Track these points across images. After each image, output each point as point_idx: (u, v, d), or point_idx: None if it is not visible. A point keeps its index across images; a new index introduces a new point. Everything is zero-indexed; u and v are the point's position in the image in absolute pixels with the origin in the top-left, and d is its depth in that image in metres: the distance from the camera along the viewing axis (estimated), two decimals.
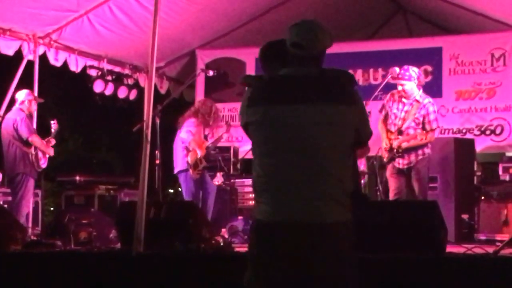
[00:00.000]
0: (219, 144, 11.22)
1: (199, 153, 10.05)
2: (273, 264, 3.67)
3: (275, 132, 3.69)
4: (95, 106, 12.56)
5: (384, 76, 10.57)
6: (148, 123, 7.23)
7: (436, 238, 6.55)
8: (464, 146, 9.90)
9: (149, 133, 7.24)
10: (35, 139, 9.65)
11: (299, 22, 3.87)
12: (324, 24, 3.85)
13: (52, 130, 10.27)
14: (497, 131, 11.26)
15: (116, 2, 10.47)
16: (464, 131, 11.38)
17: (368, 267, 6.21)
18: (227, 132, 10.76)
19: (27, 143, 9.60)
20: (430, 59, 11.64)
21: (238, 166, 11.61)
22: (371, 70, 12.00)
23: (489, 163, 11.04)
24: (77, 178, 11.31)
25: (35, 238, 9.02)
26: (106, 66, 11.92)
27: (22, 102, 9.80)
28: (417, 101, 8.60)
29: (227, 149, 11.51)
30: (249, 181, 10.97)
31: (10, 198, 10.08)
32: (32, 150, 9.63)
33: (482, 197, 9.46)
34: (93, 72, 11.79)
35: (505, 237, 8.28)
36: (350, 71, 12.49)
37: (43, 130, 10.21)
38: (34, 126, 10.31)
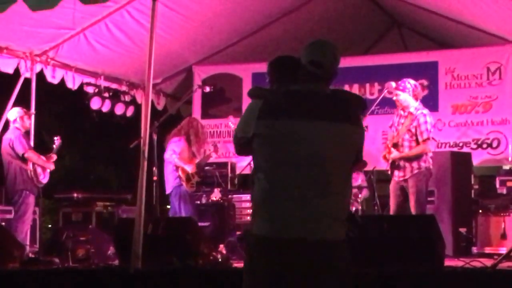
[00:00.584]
0: (216, 160, 11.29)
1: (189, 169, 10.16)
2: (272, 280, 3.66)
3: (286, 146, 3.70)
4: (92, 123, 12.56)
5: (380, 91, 10.59)
6: (145, 140, 7.25)
7: (434, 252, 6.57)
8: (461, 160, 9.90)
9: (146, 150, 7.26)
10: (31, 155, 9.69)
11: (317, 42, 3.93)
12: (336, 43, 3.97)
13: (54, 146, 10.31)
14: (494, 145, 11.28)
15: (112, 19, 10.49)
16: (460, 144, 11.40)
17: (366, 281, 6.22)
18: (215, 152, 10.89)
19: (24, 160, 9.65)
20: (426, 73, 11.63)
21: (236, 181, 11.60)
22: (367, 85, 12.01)
23: (486, 177, 11.04)
24: (75, 195, 11.30)
25: (32, 256, 9.00)
26: (103, 83, 11.94)
27: (15, 120, 9.86)
28: (411, 113, 8.56)
29: (224, 164, 11.52)
30: (246, 197, 10.97)
31: (8, 216, 10.08)
32: (30, 166, 9.66)
33: (480, 211, 9.46)
34: (90, 89, 11.80)
35: (503, 250, 8.29)
36: (347, 86, 12.67)
37: (42, 147, 10.21)
38: (32, 141, 10.35)
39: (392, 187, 8.70)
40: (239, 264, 7.71)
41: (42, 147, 10.05)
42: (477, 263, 6.79)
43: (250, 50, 12.36)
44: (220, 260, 7.74)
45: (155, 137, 9.99)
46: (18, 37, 10.17)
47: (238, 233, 10.23)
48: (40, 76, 10.98)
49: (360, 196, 11.13)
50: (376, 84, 11.84)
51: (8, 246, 7.96)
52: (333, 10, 12.14)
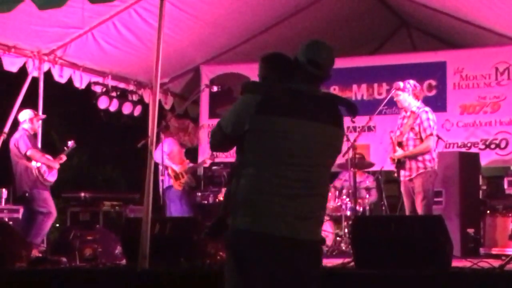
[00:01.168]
0: (223, 160, 11.32)
1: (177, 168, 10.26)
2: (261, 274, 3.67)
3: (282, 144, 3.70)
4: (99, 122, 12.55)
5: (388, 91, 10.57)
6: (152, 139, 7.25)
7: (441, 253, 6.54)
8: (469, 160, 9.88)
9: (153, 149, 7.25)
10: (33, 153, 9.71)
11: (316, 42, 3.90)
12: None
13: (66, 148, 10.32)
14: (502, 145, 11.25)
15: (120, 18, 10.50)
16: (469, 145, 11.37)
17: (373, 282, 6.21)
18: (211, 160, 11.02)
19: (28, 158, 9.69)
20: (434, 73, 11.65)
21: None
22: (375, 85, 12.00)
23: (494, 177, 11.00)
24: (82, 194, 11.31)
25: (40, 255, 9.01)
26: (111, 83, 11.95)
27: (24, 121, 9.89)
28: (413, 112, 8.60)
29: (231, 164, 11.51)
30: None
31: (15, 215, 10.12)
32: (34, 164, 9.68)
33: (488, 211, 9.43)
34: (97, 89, 11.81)
35: (510, 251, 8.27)
36: (355, 85, 12.67)
37: (51, 147, 10.22)
38: (40, 142, 10.37)
39: (403, 187, 8.69)
40: None
41: (51, 147, 10.05)
42: (485, 264, 6.76)
43: (258, 49, 12.31)
44: None
45: (162, 136, 10.05)
46: (26, 36, 10.18)
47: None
48: (48, 75, 10.99)
49: (367, 198, 11.08)
50: (384, 84, 11.83)
51: (15, 246, 7.97)
52: (342, 10, 12.13)
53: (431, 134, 8.54)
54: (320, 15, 11.95)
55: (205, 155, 12.22)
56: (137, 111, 12.40)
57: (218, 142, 3.95)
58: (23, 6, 7.12)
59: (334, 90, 11.75)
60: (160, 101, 11.57)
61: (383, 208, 10.37)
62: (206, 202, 11.01)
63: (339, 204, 10.60)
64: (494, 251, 8.94)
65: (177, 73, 12.94)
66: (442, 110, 11.38)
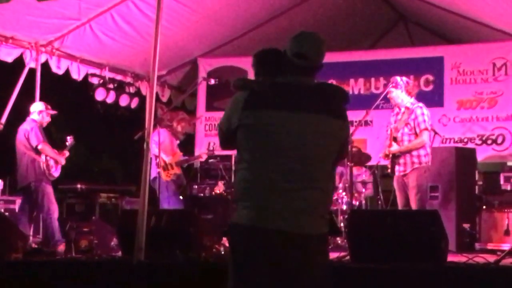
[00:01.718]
0: (220, 153, 11.34)
1: (167, 159, 10.27)
2: (253, 268, 3.66)
3: (270, 137, 3.69)
4: (96, 114, 12.56)
5: (385, 85, 10.57)
6: (149, 131, 7.25)
7: (437, 248, 6.55)
8: (465, 156, 9.89)
9: (150, 141, 7.25)
10: (45, 147, 9.63)
11: (302, 33, 3.90)
12: (322, 36, 3.91)
13: (67, 143, 10.31)
14: (499, 141, 11.26)
15: (118, 10, 10.48)
16: (465, 140, 11.38)
17: (369, 276, 6.22)
18: (208, 154, 11.06)
19: (37, 151, 9.60)
20: (432, 68, 11.65)
21: None
22: (372, 79, 12.00)
23: (491, 173, 11.01)
24: (79, 186, 11.30)
25: (36, 246, 9.01)
26: (108, 74, 11.93)
27: (35, 113, 9.84)
28: (407, 108, 8.62)
29: (228, 157, 11.52)
30: None
31: (12, 206, 10.11)
32: (43, 158, 9.62)
33: (484, 207, 9.45)
34: (95, 80, 11.80)
35: (506, 246, 8.29)
36: (352, 80, 12.68)
37: (50, 142, 10.19)
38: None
39: (396, 182, 8.70)
40: None
41: (48, 139, 10.01)
42: (480, 259, 6.78)
43: (255, 43, 12.29)
44: (222, 253, 7.74)
45: (160, 129, 10.05)
46: (23, 27, 10.16)
47: None
48: (45, 66, 10.97)
49: (364, 191, 11.09)
50: (381, 78, 11.83)
51: (11, 237, 7.97)
52: (339, 4, 12.11)
53: (426, 129, 8.56)
54: (317, 9, 11.93)
55: (201, 148, 12.23)
56: (134, 103, 12.40)
57: (221, 141, 4.01)
58: None
59: None
60: (157, 94, 11.57)
61: (379, 202, 10.37)
62: (202, 195, 11.02)
63: (335, 198, 10.61)
64: (490, 246, 8.97)
65: (174, 65, 12.93)
66: (439, 105, 11.40)
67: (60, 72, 11.23)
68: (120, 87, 12.16)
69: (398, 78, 8.77)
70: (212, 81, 10.87)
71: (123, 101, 12.23)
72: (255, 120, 3.71)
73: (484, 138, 11.32)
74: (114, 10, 10.45)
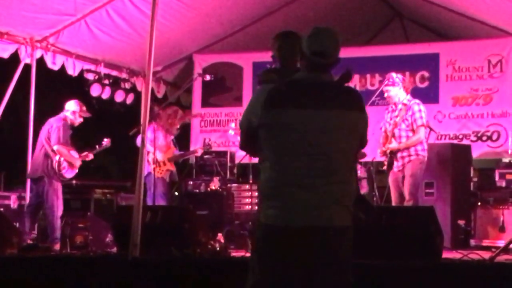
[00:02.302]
0: (216, 149, 11.36)
1: (159, 156, 10.26)
2: (280, 268, 3.70)
3: (292, 135, 3.71)
4: (92, 110, 12.54)
5: (381, 82, 10.57)
6: (144, 127, 7.24)
7: (432, 244, 6.56)
8: (460, 152, 9.90)
9: (145, 137, 7.25)
10: (61, 149, 9.59)
11: (318, 30, 3.91)
12: (336, 29, 3.99)
13: (98, 147, 10.32)
14: (494, 137, 11.26)
15: (113, 6, 10.46)
16: (460, 137, 11.38)
17: (364, 272, 6.22)
18: (204, 149, 11.16)
19: (54, 150, 9.59)
20: (427, 65, 11.65)
21: (235, 171, 11.61)
22: (368, 76, 11.99)
23: (486, 169, 11.02)
24: (74, 182, 11.26)
25: (31, 242, 9.00)
26: (103, 70, 11.92)
27: (69, 111, 9.84)
28: (405, 104, 8.69)
29: (223, 153, 11.52)
30: (245, 186, 10.99)
31: (7, 202, 10.08)
32: (56, 157, 9.58)
33: (479, 203, 9.46)
34: (90, 76, 11.78)
35: (501, 243, 8.30)
36: None
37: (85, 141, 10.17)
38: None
39: (391, 178, 8.73)
40: (237, 253, 7.72)
41: (84, 140, 9.99)
42: (475, 256, 6.79)
43: (251, 39, 12.32)
44: (218, 249, 7.74)
45: (154, 125, 10.03)
46: (18, 23, 10.13)
47: (236, 222, 10.25)
48: (40, 62, 10.95)
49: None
50: (377, 75, 11.82)
51: (6, 232, 7.96)
52: (335, 0, 12.12)
53: (422, 125, 8.66)
54: (313, 5, 11.92)
55: (197, 144, 12.22)
56: (130, 99, 12.38)
57: (242, 140, 4.11)
58: None
59: None
60: (152, 90, 11.55)
61: (374, 198, 10.38)
62: (197, 191, 11.01)
63: None
64: (485, 243, 8.99)
65: (170, 61, 12.91)
66: (435, 101, 11.40)
67: (56, 67, 11.21)
68: (115, 83, 12.14)
69: (394, 75, 8.81)
70: (208, 77, 10.86)
71: (119, 97, 12.21)
72: (275, 119, 3.74)
73: (479, 135, 11.33)
74: (110, 5, 10.43)
